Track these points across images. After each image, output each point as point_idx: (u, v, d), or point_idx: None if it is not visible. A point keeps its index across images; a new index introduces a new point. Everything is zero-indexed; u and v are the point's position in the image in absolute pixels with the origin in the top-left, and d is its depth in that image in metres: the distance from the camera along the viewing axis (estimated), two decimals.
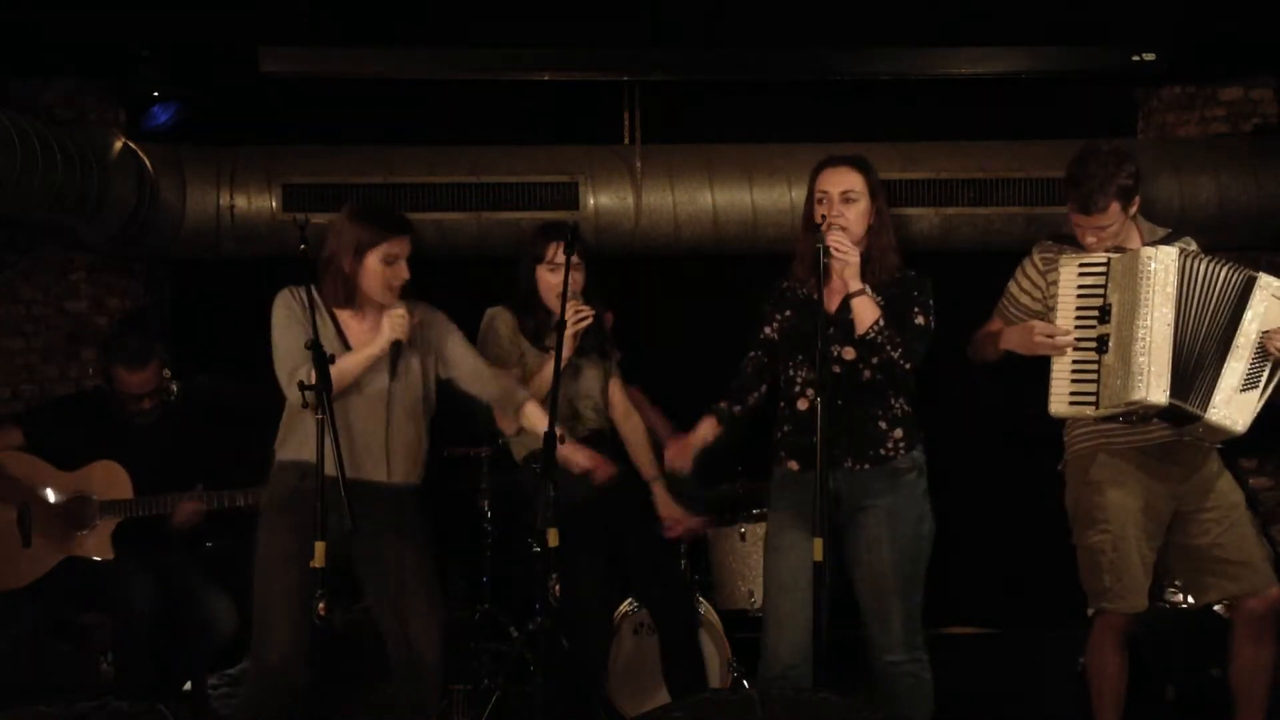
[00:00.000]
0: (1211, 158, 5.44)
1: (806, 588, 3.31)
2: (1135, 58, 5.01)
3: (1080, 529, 3.67)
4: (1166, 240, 3.61)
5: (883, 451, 3.50)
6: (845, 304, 3.51)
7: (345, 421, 3.49)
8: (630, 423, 4.22)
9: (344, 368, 3.43)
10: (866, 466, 3.49)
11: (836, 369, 3.47)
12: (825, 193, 3.52)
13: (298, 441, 3.52)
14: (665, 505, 4.20)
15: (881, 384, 3.50)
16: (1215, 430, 3.47)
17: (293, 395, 3.41)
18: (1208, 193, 5.38)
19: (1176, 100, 5.76)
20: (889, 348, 3.43)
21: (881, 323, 3.41)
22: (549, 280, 4.00)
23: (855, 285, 3.42)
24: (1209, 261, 3.46)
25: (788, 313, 3.61)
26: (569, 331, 3.77)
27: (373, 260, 3.55)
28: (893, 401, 3.54)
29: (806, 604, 3.31)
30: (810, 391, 3.46)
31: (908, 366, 3.46)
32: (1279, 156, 5.44)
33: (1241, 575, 3.57)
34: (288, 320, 3.52)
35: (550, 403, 3.59)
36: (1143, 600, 3.60)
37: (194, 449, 4.56)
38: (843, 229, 3.45)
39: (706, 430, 3.64)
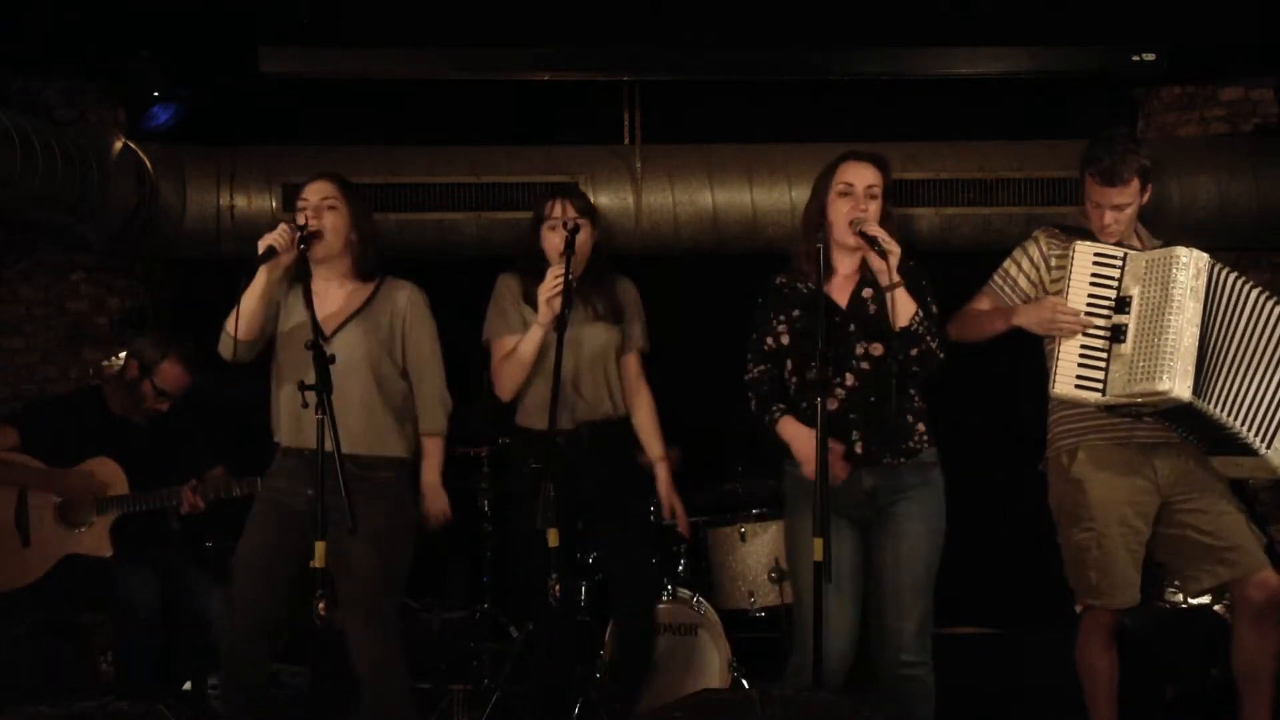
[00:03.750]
0: (1211, 158, 5.44)
1: (843, 587, 3.40)
2: (1135, 58, 5.02)
3: (1065, 527, 3.68)
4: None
5: (913, 444, 3.50)
6: (858, 298, 3.50)
7: (282, 389, 3.57)
8: (637, 399, 4.05)
9: (241, 304, 3.49)
10: (902, 461, 3.48)
11: (865, 366, 3.45)
12: (850, 185, 3.49)
13: (278, 422, 3.65)
14: (666, 487, 4.06)
15: (904, 378, 3.49)
16: (1265, 467, 3.50)
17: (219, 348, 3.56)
18: (1208, 193, 5.38)
19: (1176, 100, 5.77)
20: (929, 338, 3.42)
21: (921, 313, 3.41)
22: (551, 240, 3.86)
23: (896, 277, 3.39)
24: (1240, 279, 3.47)
25: (796, 313, 3.55)
26: (542, 299, 3.70)
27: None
28: (913, 395, 3.54)
29: (847, 605, 3.40)
30: (840, 390, 3.45)
31: (941, 355, 3.46)
32: (1279, 156, 5.45)
33: (1235, 559, 3.55)
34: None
35: (551, 396, 3.58)
36: (1132, 595, 3.60)
37: (189, 446, 4.57)
38: (864, 220, 3.43)
39: (806, 433, 3.45)
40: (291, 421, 3.57)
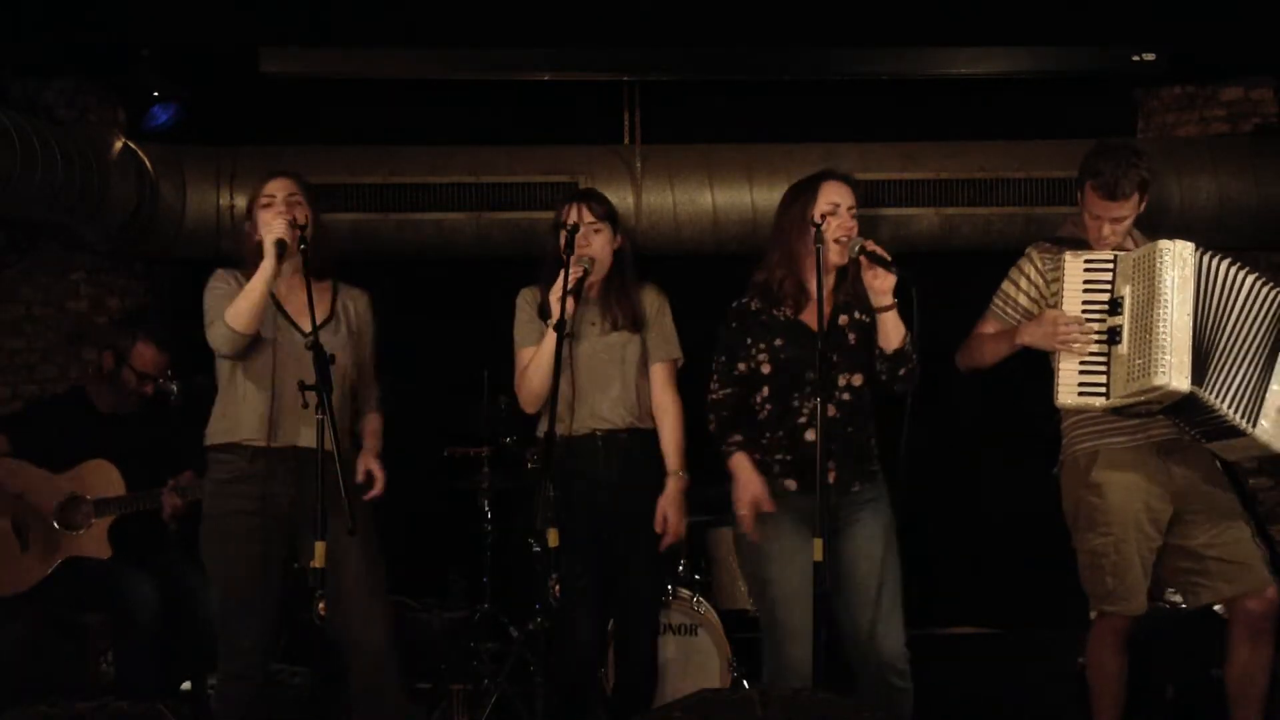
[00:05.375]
0: (1211, 158, 5.44)
1: (807, 595, 3.33)
2: (1135, 58, 5.02)
3: (1081, 532, 3.66)
4: None
5: (873, 466, 3.56)
6: (835, 326, 3.48)
7: (249, 389, 3.55)
8: (662, 411, 3.85)
9: (246, 297, 3.46)
10: (867, 484, 3.52)
11: (846, 397, 3.46)
12: (836, 205, 3.47)
13: (231, 421, 3.59)
14: (671, 503, 3.83)
15: (872, 401, 3.52)
16: (1256, 446, 3.48)
17: (215, 343, 3.52)
18: (1208, 193, 5.38)
19: (1176, 100, 5.77)
20: (914, 355, 3.44)
21: (909, 337, 3.42)
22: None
23: (888, 300, 3.39)
24: (1232, 264, 3.46)
25: (778, 341, 3.51)
26: (553, 299, 3.60)
27: (256, 211, 3.62)
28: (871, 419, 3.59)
29: (810, 614, 3.34)
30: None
31: (918, 370, 3.47)
32: (1279, 156, 5.45)
33: (1238, 576, 3.56)
34: (215, 293, 3.59)
35: (551, 395, 3.54)
36: (1143, 602, 3.60)
37: (180, 441, 4.57)
38: (851, 240, 3.43)
39: (756, 478, 3.47)
40: (266, 421, 3.53)
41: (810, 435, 3.40)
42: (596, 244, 3.76)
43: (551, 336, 3.64)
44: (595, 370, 3.78)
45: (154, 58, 5.14)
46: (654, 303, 3.94)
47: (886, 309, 3.38)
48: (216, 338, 3.51)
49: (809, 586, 3.30)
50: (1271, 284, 3.48)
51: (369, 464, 3.69)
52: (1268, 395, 3.44)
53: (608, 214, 3.84)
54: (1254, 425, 3.43)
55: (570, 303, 3.57)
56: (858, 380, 3.48)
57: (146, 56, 5.13)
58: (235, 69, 5.01)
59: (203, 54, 5.17)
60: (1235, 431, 3.45)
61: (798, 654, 3.37)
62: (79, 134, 4.94)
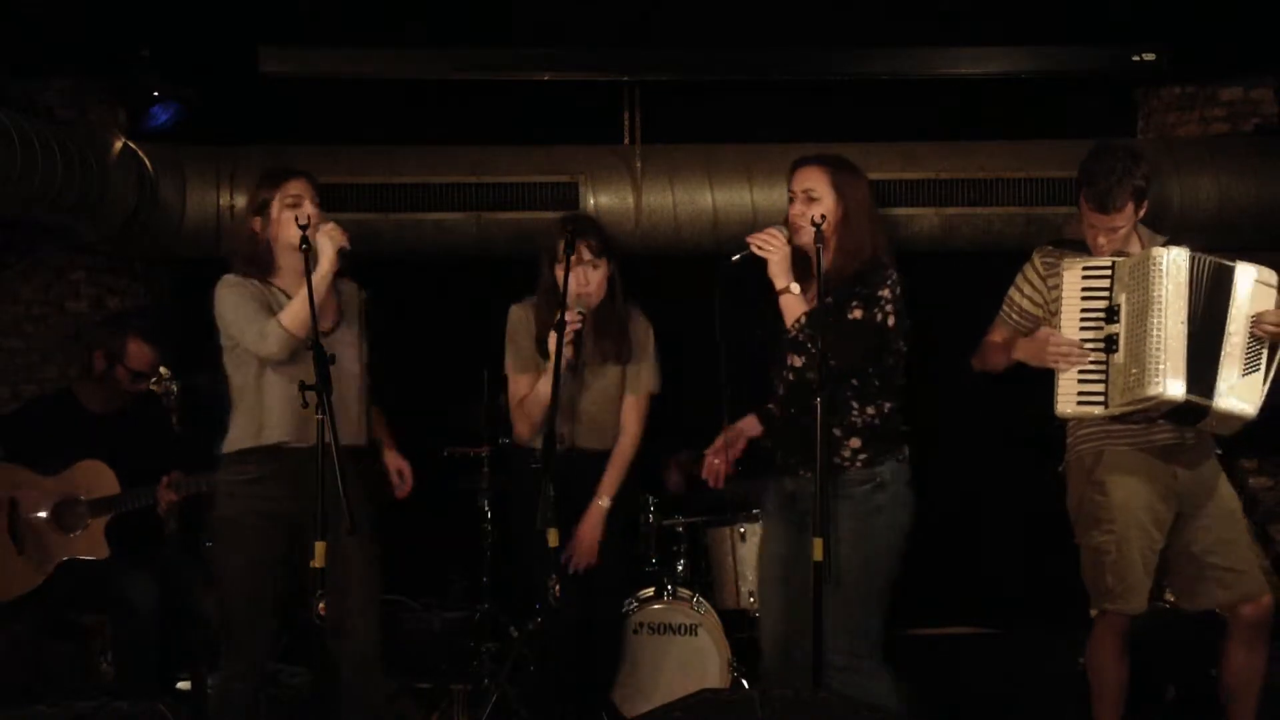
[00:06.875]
0: (1211, 158, 5.44)
1: (778, 580, 3.54)
2: (1135, 58, 5.02)
3: (1084, 529, 3.67)
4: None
5: (836, 460, 3.41)
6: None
7: (277, 388, 3.53)
8: (623, 434, 4.01)
9: (304, 301, 3.39)
10: (830, 477, 3.38)
11: (790, 377, 3.48)
12: (793, 192, 3.53)
13: (257, 425, 3.56)
14: (590, 525, 3.93)
15: (839, 390, 3.41)
16: (1227, 418, 3.47)
17: (267, 346, 3.46)
18: (1208, 193, 5.38)
19: (1176, 100, 5.76)
20: (810, 346, 3.37)
21: (803, 320, 3.39)
22: (571, 281, 3.76)
23: (781, 282, 3.41)
24: (1222, 263, 3.47)
25: (770, 314, 3.58)
26: (552, 345, 3.66)
27: (277, 210, 3.58)
28: (854, 409, 3.44)
29: (778, 595, 3.54)
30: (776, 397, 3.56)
31: (833, 364, 3.30)
32: (1279, 156, 5.45)
33: (1235, 582, 3.58)
34: (237, 296, 3.55)
35: (550, 403, 3.56)
36: (1144, 601, 3.61)
37: (171, 438, 4.56)
38: (799, 226, 3.43)
39: (749, 422, 3.69)
40: (294, 421, 3.53)
41: (777, 410, 3.57)
42: (594, 282, 3.83)
43: (549, 377, 3.67)
44: (583, 397, 3.91)
45: (154, 58, 5.13)
46: (642, 335, 4.02)
47: (780, 292, 3.42)
48: (269, 341, 3.46)
49: (777, 570, 3.55)
50: (1218, 258, 3.48)
51: (399, 464, 3.86)
52: (1220, 363, 3.44)
53: (604, 249, 3.89)
54: (1211, 397, 3.43)
55: (569, 349, 3.67)
56: (798, 362, 3.45)
57: (146, 56, 5.13)
58: (235, 69, 5.01)
59: (203, 54, 5.16)
60: (1200, 410, 3.45)
61: (767, 627, 3.60)
62: (79, 134, 4.94)
